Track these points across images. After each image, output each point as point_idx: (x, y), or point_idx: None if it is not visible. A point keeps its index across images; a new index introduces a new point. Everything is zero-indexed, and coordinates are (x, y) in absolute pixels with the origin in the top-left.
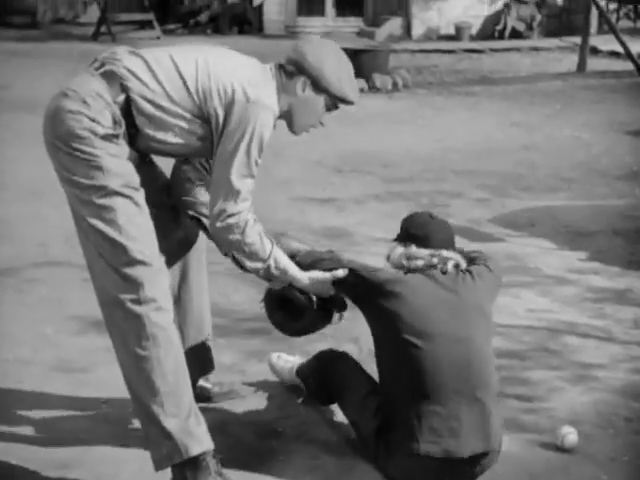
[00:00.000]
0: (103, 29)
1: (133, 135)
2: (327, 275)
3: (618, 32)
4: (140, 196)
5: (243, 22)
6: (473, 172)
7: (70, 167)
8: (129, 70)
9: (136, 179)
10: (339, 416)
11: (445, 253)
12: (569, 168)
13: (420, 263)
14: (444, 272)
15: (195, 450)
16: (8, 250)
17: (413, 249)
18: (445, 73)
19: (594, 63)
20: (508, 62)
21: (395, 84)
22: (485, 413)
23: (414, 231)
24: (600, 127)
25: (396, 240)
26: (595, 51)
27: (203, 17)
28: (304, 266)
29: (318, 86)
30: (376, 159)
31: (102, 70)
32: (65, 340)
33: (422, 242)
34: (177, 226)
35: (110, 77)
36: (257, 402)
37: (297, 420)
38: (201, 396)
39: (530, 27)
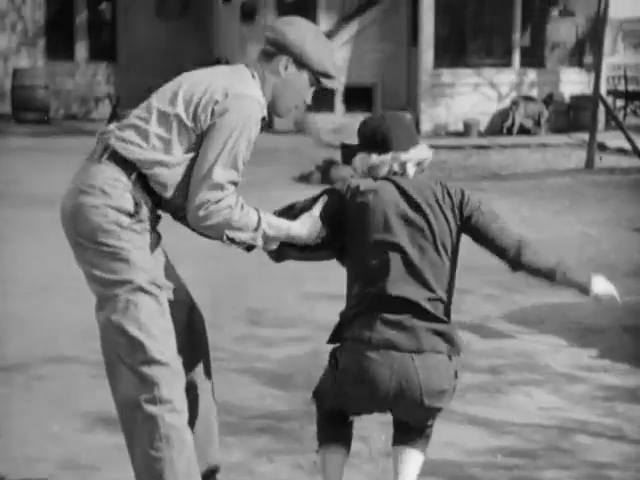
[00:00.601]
0: None
1: (158, 203)
2: (314, 211)
3: (625, 129)
4: (164, 295)
5: None
6: (482, 268)
7: (95, 262)
8: (124, 140)
9: (161, 275)
10: None
11: (403, 156)
12: (578, 264)
13: (385, 170)
14: (404, 175)
15: None
16: (17, 345)
17: (374, 158)
18: (454, 169)
19: (602, 159)
20: (516, 158)
21: None
22: (427, 318)
23: (372, 136)
24: (608, 223)
25: (359, 150)
26: (603, 147)
27: None
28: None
29: (300, 62)
30: None
31: (107, 154)
32: (73, 437)
33: (382, 147)
34: (185, 322)
35: (116, 158)
36: None
37: None
38: None
39: (538, 124)
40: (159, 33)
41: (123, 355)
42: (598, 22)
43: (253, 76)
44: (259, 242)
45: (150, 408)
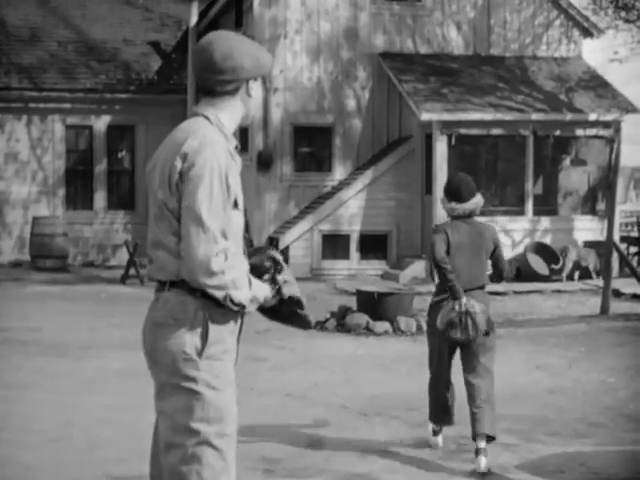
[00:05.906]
0: (132, 272)
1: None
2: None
3: (639, 275)
4: (231, 445)
5: None
6: (499, 416)
7: (173, 401)
8: (160, 268)
9: (234, 422)
10: None
11: (467, 206)
12: (597, 412)
13: (459, 213)
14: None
15: None
16: None
17: (453, 205)
18: None
19: (617, 306)
20: (531, 304)
21: (419, 327)
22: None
23: (453, 191)
24: (626, 371)
25: (445, 196)
26: (618, 294)
27: None
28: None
29: (258, 76)
30: (401, 403)
31: (168, 284)
32: None
33: (458, 199)
34: None
35: (176, 283)
36: None
37: None
38: None
39: (555, 271)
40: None
41: None
42: (610, 170)
43: (207, 118)
44: (248, 302)
45: None
